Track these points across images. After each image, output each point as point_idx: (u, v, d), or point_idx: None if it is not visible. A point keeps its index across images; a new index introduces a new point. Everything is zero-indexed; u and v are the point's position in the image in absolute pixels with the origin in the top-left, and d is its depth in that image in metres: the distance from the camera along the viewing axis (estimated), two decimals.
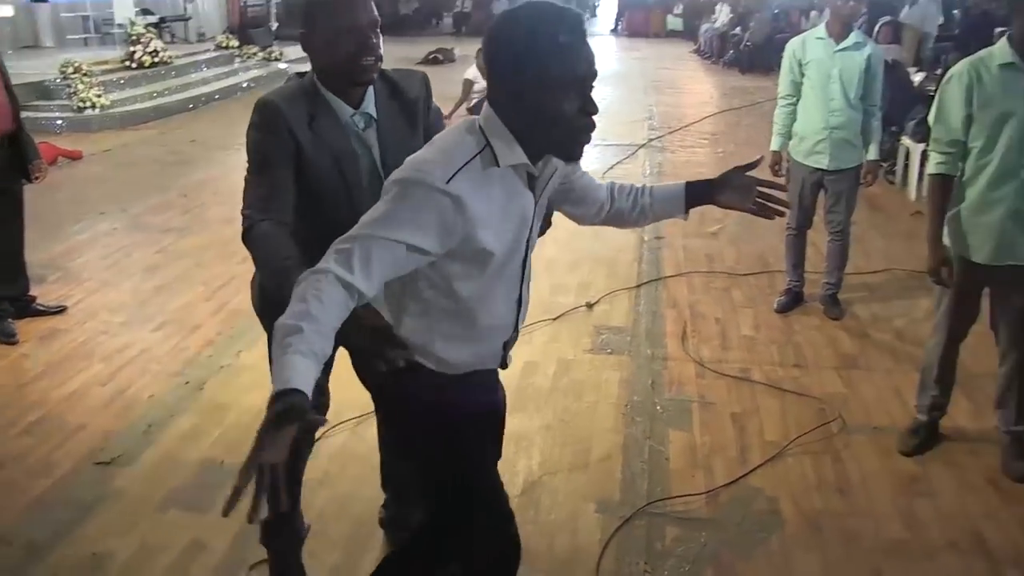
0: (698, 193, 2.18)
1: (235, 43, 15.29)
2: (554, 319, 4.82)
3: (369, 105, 2.27)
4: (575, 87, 1.69)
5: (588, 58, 1.71)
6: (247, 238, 2.15)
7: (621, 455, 3.57)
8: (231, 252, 6.05)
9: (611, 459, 3.54)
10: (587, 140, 1.77)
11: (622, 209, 2.24)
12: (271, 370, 1.56)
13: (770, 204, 2.16)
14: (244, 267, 5.68)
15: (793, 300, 5.03)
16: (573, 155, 1.82)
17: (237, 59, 14.95)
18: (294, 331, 1.55)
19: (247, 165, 2.22)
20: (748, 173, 2.15)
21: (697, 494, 3.31)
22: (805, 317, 4.93)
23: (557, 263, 5.60)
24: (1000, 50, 3.17)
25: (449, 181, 1.68)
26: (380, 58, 2.21)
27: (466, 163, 1.72)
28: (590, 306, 5.01)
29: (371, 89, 2.28)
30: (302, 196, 2.20)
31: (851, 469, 3.49)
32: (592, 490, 3.34)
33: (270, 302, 2.17)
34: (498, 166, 1.76)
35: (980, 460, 3.55)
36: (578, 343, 4.57)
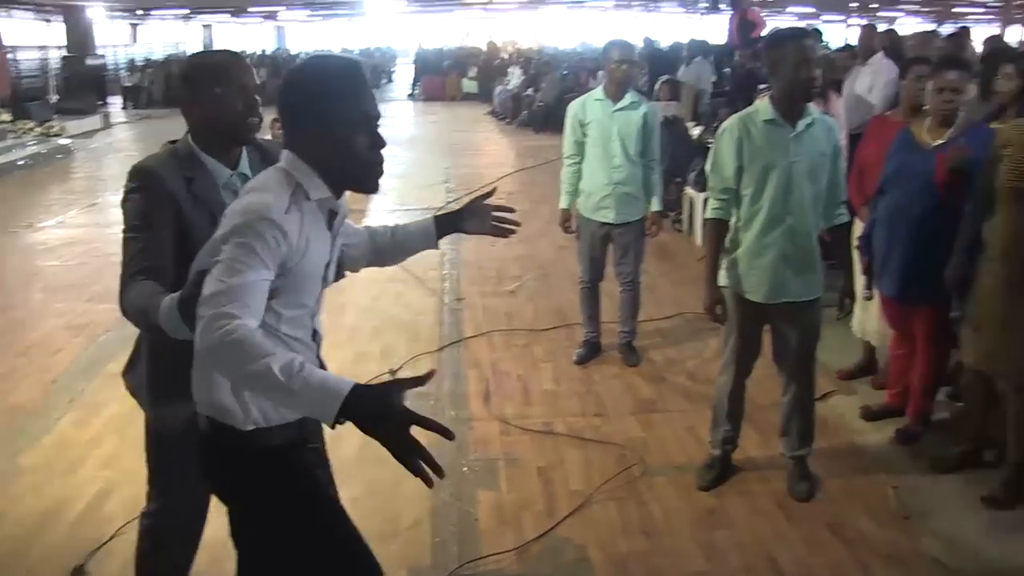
0: (445, 224, 2.44)
1: (7, 117, 14.40)
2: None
3: (244, 166, 2.36)
4: (364, 125, 1.92)
5: (371, 98, 1.94)
6: (121, 301, 2.16)
7: (430, 520, 3.55)
8: (6, 344, 5.64)
9: (421, 525, 3.52)
10: (381, 172, 1.98)
11: (382, 247, 2.44)
12: (296, 400, 1.62)
13: (503, 225, 2.46)
14: (23, 360, 5.35)
15: (591, 351, 5.20)
16: (371, 187, 1.99)
17: (11, 135, 14.05)
18: (295, 360, 1.63)
19: (124, 231, 2.25)
20: (486, 201, 2.44)
21: (507, 551, 3.33)
22: (604, 366, 5.10)
23: (359, 331, 5.55)
24: (764, 107, 3.47)
25: (286, 213, 1.83)
26: (262, 118, 2.34)
27: (290, 197, 1.86)
28: (393, 373, 4.96)
29: (244, 151, 2.37)
30: (183, 258, 2.18)
31: (654, 510, 3.61)
32: (403, 558, 3.29)
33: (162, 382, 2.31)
34: (309, 200, 1.91)
35: (769, 486, 3.78)
36: None
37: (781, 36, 3.52)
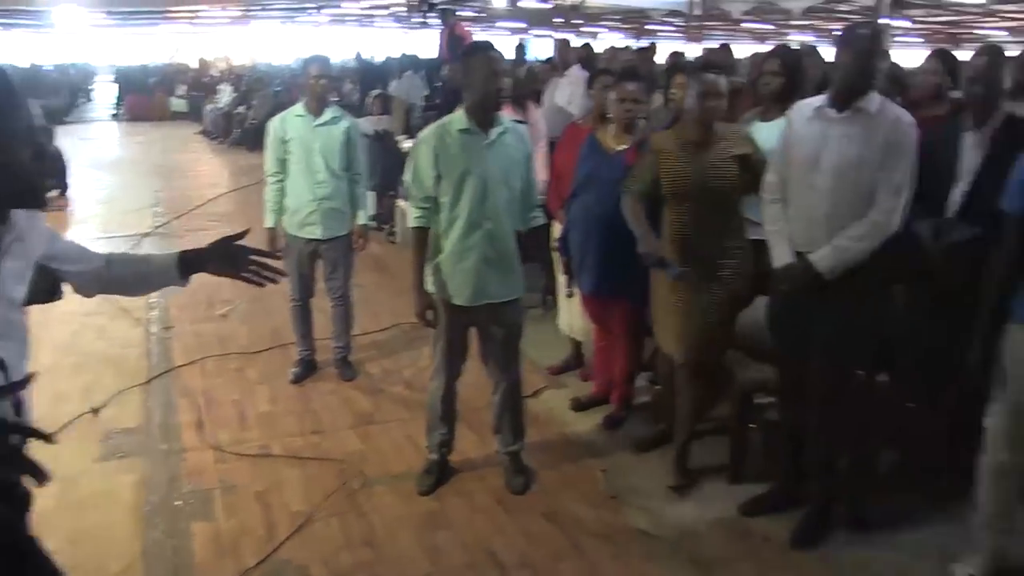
0: (191, 262, 2.19)
1: None
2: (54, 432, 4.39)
3: None
4: (26, 136, 1.80)
5: (27, 107, 1.84)
6: None
7: (142, 562, 3.36)
8: None
9: (132, 569, 3.32)
10: (45, 184, 1.80)
11: (120, 276, 2.21)
12: None
13: (263, 272, 2.21)
14: None
15: (307, 369, 5.13)
16: (37, 202, 1.92)
17: None
18: None
19: None
20: (239, 243, 2.20)
21: None
22: (321, 383, 5.06)
23: (58, 369, 5.12)
24: (458, 117, 3.59)
25: None
26: None
27: None
28: (96, 411, 4.61)
29: None
30: None
31: (375, 521, 3.63)
32: None
33: None
34: None
35: (487, 483, 3.92)
36: (85, 453, 4.18)
37: (472, 49, 3.68)
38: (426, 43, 18.13)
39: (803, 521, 3.57)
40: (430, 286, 3.70)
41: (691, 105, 3.64)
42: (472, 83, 3.55)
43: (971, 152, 3.55)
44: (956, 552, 3.31)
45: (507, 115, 4.88)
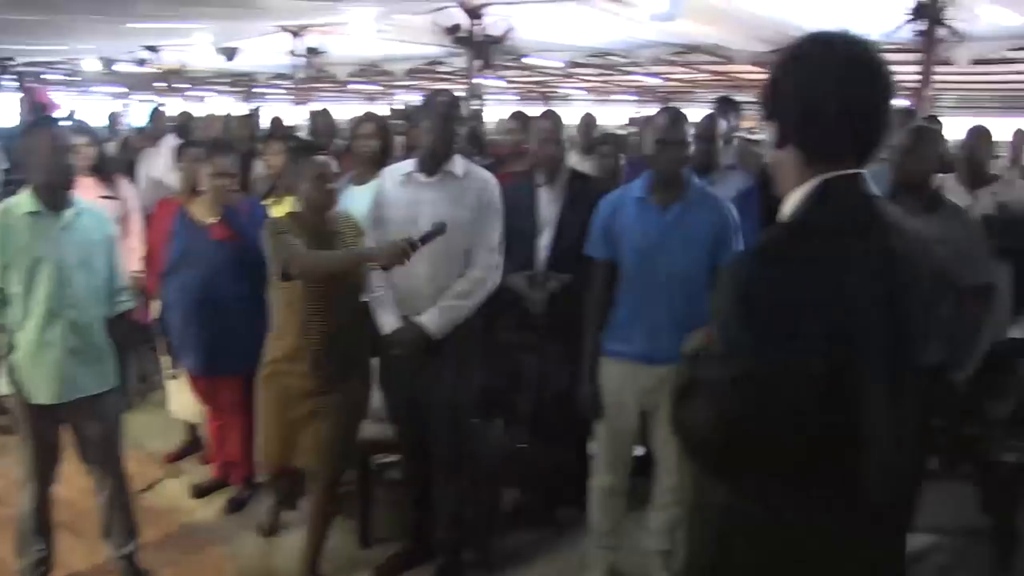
0: None
1: None
2: None
3: None
4: None
5: None
6: None
7: None
8: None
9: None
10: None
11: None
12: None
13: None
14: None
15: None
16: None
17: None
18: None
19: None
20: None
21: None
22: None
23: None
24: (25, 199, 3.27)
25: None
26: None
27: None
28: None
29: None
30: None
31: None
32: None
33: None
34: None
35: None
36: None
37: (31, 125, 3.40)
38: (4, 109, 16.52)
39: (436, 573, 3.65)
40: (4, 387, 3.32)
41: (307, 193, 3.45)
42: (35, 162, 3.28)
43: (548, 206, 3.91)
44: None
45: (94, 190, 4.62)
